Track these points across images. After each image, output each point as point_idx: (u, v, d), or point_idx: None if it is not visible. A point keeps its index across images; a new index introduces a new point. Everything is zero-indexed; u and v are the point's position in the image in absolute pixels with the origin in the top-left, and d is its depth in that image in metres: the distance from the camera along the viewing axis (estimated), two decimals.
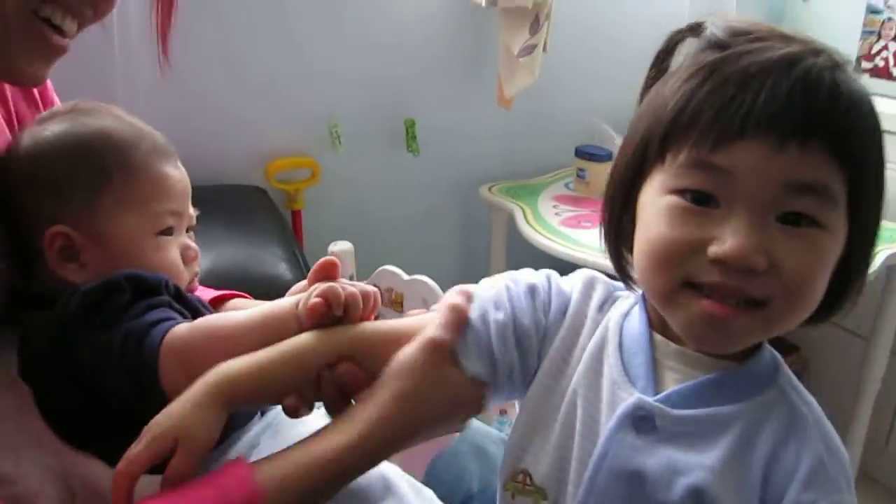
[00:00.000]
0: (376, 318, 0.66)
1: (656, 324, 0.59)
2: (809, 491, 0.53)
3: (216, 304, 0.82)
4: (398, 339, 0.62)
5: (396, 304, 1.39)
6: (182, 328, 0.64)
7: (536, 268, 0.66)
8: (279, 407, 0.62)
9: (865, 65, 1.87)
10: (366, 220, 1.90)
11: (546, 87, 1.89)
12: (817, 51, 0.52)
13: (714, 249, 0.51)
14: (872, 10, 1.86)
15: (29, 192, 0.71)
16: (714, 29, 0.55)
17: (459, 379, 0.60)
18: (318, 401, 0.62)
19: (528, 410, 0.61)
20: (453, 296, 0.63)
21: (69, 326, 0.65)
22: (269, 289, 0.83)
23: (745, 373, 0.56)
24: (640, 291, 0.61)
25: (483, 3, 1.77)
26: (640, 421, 0.55)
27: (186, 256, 0.75)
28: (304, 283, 0.73)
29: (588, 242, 1.61)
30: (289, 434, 0.68)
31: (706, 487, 0.53)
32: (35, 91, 0.83)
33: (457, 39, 1.94)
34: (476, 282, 0.65)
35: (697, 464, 0.53)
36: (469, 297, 0.63)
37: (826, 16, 1.97)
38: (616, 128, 1.84)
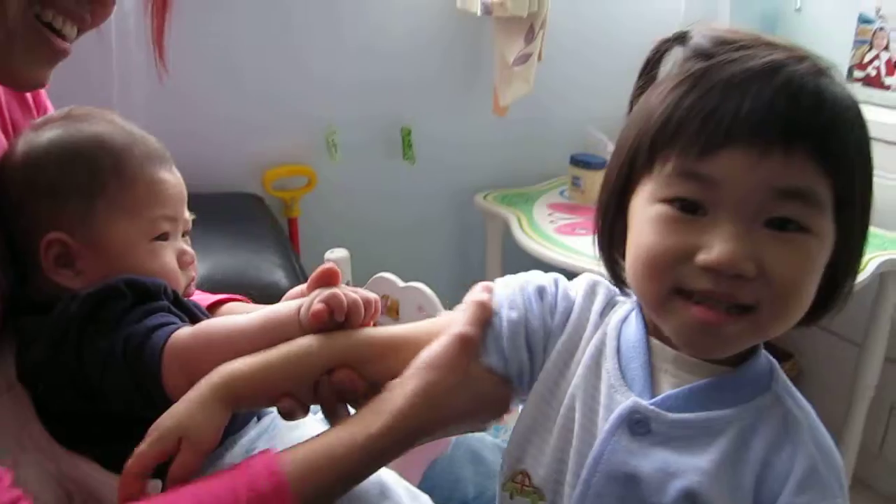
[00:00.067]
0: (375, 324, 0.67)
1: (653, 329, 0.59)
2: (802, 495, 0.53)
3: (213, 309, 0.82)
4: (398, 346, 0.63)
5: (392, 311, 1.40)
6: (184, 333, 0.64)
7: None
8: (276, 411, 0.62)
9: (858, 74, 1.88)
10: (362, 228, 1.90)
11: (541, 95, 1.90)
12: (801, 57, 0.53)
13: (702, 257, 0.51)
14: (864, 20, 1.87)
15: (24, 199, 0.71)
16: (699, 38, 0.55)
17: (484, 375, 0.61)
18: (314, 404, 0.63)
19: (529, 412, 0.61)
20: (478, 292, 0.64)
21: (70, 331, 0.65)
22: (266, 296, 0.83)
23: (741, 378, 0.57)
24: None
25: (478, 13, 1.78)
26: (636, 424, 0.56)
27: (183, 261, 0.75)
28: (299, 288, 0.73)
29: (583, 249, 1.61)
30: (285, 438, 0.68)
31: (699, 490, 0.53)
32: (29, 97, 0.83)
33: (452, 49, 1.95)
34: (471, 290, 0.66)
35: (691, 467, 0.54)
36: (492, 294, 0.64)
37: (819, 25, 1.98)
38: (610, 136, 1.85)
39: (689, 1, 2.10)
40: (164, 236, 0.74)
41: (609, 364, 0.59)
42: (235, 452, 0.69)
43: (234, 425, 0.70)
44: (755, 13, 2.05)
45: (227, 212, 1.60)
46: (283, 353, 0.62)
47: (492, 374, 0.61)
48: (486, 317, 0.62)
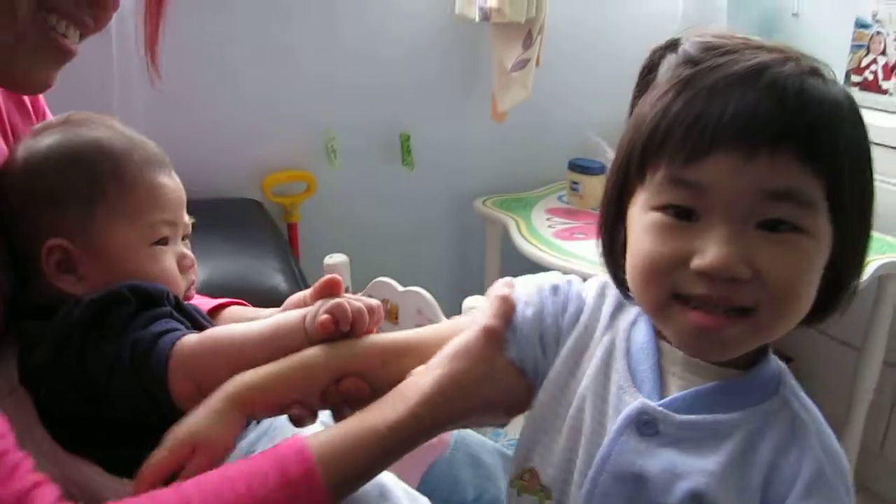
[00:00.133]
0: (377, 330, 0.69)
1: (661, 331, 0.60)
2: (809, 498, 0.53)
3: (214, 313, 0.83)
4: (401, 353, 0.65)
5: (392, 316, 1.40)
6: (191, 339, 0.65)
7: None
8: None
9: (855, 78, 1.88)
10: (361, 233, 1.91)
11: (539, 100, 1.90)
12: (787, 58, 0.53)
13: (697, 262, 0.51)
14: (861, 24, 1.87)
15: (25, 206, 0.71)
16: (687, 45, 0.55)
17: (508, 368, 0.62)
18: (322, 409, 0.65)
19: (539, 410, 0.62)
20: (501, 287, 0.65)
21: (73, 336, 0.66)
22: (266, 301, 0.84)
23: (749, 381, 0.57)
24: None
25: (476, 19, 1.79)
26: (644, 425, 0.56)
27: (183, 265, 0.76)
28: (300, 295, 0.74)
29: (581, 254, 1.62)
30: None
31: (706, 492, 0.53)
32: (28, 103, 0.83)
33: (451, 54, 1.95)
34: (470, 294, 0.67)
35: (698, 468, 0.54)
36: (513, 289, 0.65)
37: (816, 30, 1.98)
38: (609, 141, 1.85)
39: (687, 6, 2.11)
40: (164, 241, 0.74)
41: (619, 365, 0.59)
42: (235, 455, 0.69)
43: None
44: (752, 18, 2.06)
45: (227, 217, 1.61)
46: (293, 364, 0.64)
47: (514, 368, 0.62)
48: (509, 311, 0.63)
